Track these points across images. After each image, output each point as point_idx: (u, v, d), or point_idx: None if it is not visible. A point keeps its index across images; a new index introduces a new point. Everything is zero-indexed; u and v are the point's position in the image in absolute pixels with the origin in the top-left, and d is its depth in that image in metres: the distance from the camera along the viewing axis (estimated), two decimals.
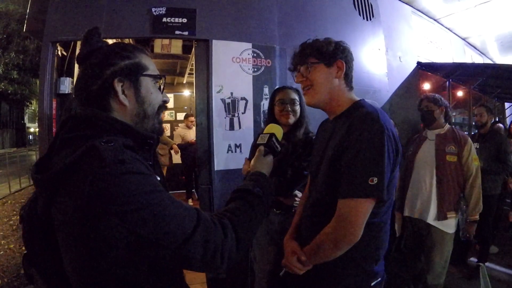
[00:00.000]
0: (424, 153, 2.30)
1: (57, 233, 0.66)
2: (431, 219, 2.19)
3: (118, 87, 0.74)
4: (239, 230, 0.74)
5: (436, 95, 2.35)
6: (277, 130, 1.10)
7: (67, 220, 0.62)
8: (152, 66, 0.81)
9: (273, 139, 1.04)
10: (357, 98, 1.13)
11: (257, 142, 1.06)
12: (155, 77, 0.81)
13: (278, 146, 1.06)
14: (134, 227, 0.60)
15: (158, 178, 0.71)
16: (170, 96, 6.08)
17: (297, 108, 1.78)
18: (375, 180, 0.92)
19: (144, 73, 0.78)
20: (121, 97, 0.74)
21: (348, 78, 1.13)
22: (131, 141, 0.71)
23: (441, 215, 2.15)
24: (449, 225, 2.17)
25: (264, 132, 1.10)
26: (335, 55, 1.09)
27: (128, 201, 0.60)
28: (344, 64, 1.10)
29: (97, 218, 0.59)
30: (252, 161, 1.01)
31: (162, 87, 0.83)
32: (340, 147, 1.01)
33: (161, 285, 0.72)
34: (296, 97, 1.78)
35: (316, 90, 1.11)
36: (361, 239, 0.97)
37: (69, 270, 0.68)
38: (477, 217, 2.16)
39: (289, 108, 1.75)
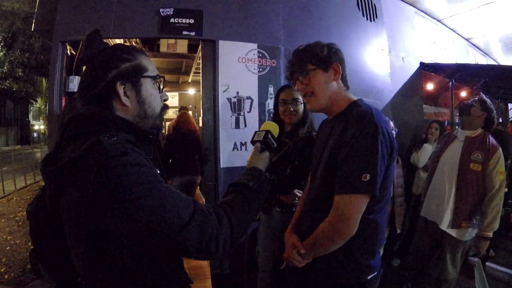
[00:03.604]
0: (450, 153, 2.19)
1: (65, 225, 0.71)
2: (444, 225, 2.11)
3: (120, 89, 0.77)
4: (233, 221, 0.78)
5: (489, 101, 2.16)
6: (273, 127, 1.12)
7: (74, 210, 0.67)
8: (151, 66, 0.84)
9: (269, 135, 1.08)
10: (355, 98, 1.16)
11: (254, 139, 1.10)
12: (155, 78, 0.84)
13: (274, 142, 1.09)
14: (135, 215, 0.65)
15: (158, 172, 0.75)
16: (175, 95, 6.18)
17: (300, 107, 1.77)
18: (368, 176, 0.95)
19: (144, 74, 0.81)
20: (123, 99, 0.78)
21: (344, 78, 1.15)
22: (132, 137, 0.76)
23: (456, 224, 2.07)
24: (463, 234, 2.08)
25: (260, 129, 1.13)
26: (330, 58, 1.11)
27: (129, 190, 0.64)
28: (340, 66, 1.12)
29: (102, 207, 0.64)
30: (249, 158, 1.05)
31: (161, 86, 0.87)
32: (336, 145, 1.04)
33: (162, 274, 0.76)
34: (299, 96, 1.75)
35: (318, 96, 1.13)
36: (357, 234, 1.00)
37: (75, 260, 0.72)
38: (490, 234, 1.99)
39: (291, 109, 1.76)
